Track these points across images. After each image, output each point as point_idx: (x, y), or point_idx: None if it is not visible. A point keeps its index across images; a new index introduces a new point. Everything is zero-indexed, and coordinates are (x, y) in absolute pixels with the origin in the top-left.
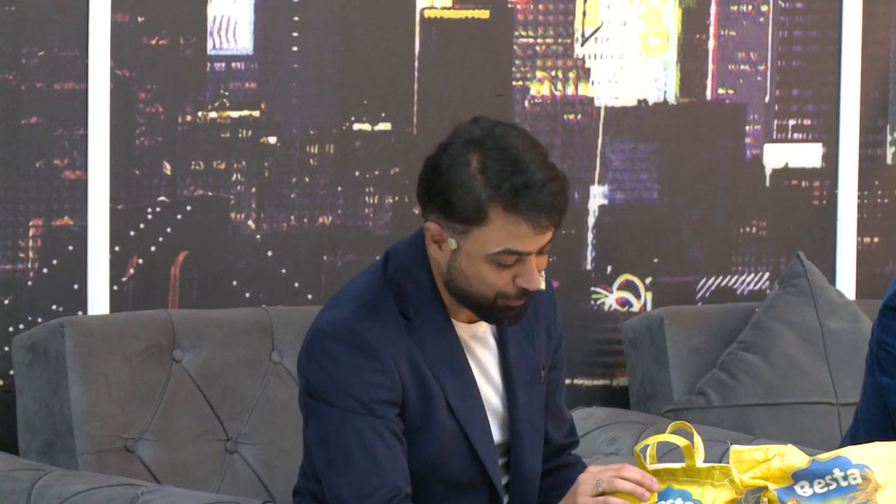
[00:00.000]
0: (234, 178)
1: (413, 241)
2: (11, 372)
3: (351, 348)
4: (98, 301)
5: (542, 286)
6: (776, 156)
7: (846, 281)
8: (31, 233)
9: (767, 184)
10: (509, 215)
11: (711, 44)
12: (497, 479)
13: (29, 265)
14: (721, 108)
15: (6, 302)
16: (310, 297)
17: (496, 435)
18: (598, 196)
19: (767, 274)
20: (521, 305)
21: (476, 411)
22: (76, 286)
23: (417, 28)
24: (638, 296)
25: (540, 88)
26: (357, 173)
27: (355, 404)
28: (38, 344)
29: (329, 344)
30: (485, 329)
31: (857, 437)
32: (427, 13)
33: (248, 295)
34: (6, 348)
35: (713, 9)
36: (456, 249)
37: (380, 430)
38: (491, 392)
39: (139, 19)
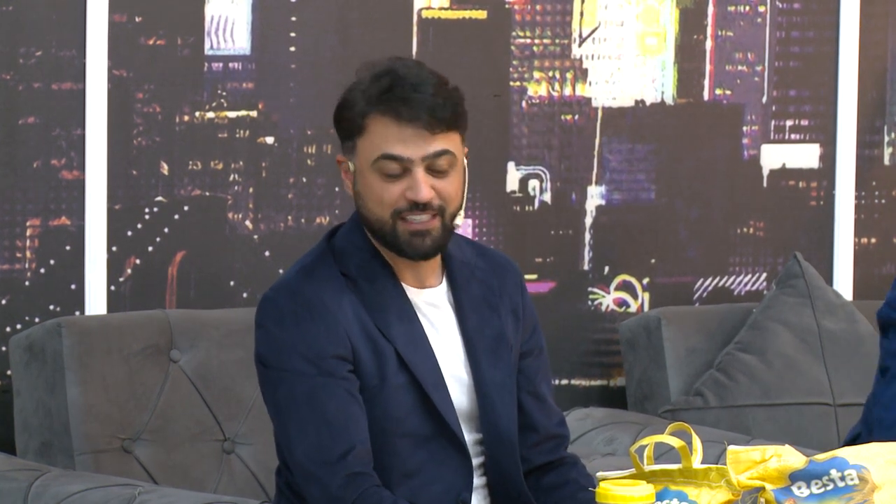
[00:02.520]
0: (231, 178)
1: (355, 213)
2: (9, 372)
3: (294, 307)
4: (95, 301)
5: (426, 196)
6: (773, 156)
7: (843, 281)
8: (28, 233)
9: (765, 184)
10: (382, 118)
11: (709, 44)
12: (458, 430)
13: (26, 265)
14: (718, 108)
15: (3, 302)
16: None
17: (463, 402)
18: (595, 196)
19: (765, 274)
20: (426, 230)
21: (427, 362)
22: (73, 286)
23: (415, 28)
24: (635, 296)
25: (537, 89)
26: None
27: (304, 364)
28: (35, 344)
29: (272, 309)
30: (440, 296)
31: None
32: (424, 13)
33: (245, 295)
34: (3, 348)
35: (710, 9)
36: (354, 172)
37: (332, 391)
38: (453, 359)
39: (137, 19)
